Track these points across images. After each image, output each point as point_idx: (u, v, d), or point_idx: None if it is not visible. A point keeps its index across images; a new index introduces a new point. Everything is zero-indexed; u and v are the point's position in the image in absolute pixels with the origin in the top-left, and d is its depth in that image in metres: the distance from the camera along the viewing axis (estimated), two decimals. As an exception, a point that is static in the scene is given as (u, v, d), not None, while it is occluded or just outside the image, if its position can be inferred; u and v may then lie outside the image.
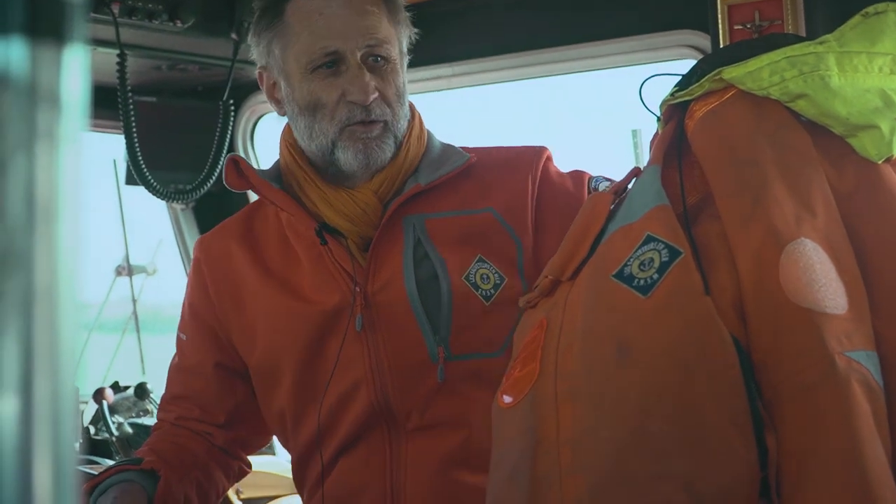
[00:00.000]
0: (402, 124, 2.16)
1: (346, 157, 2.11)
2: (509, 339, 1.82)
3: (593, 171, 2.27)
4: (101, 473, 2.20)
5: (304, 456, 2.25)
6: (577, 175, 2.26)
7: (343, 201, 2.15)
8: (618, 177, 1.81)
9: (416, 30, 2.25)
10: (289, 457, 2.37)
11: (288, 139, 2.23)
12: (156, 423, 2.42)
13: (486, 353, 2.10)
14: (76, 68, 0.63)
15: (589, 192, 2.21)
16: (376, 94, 2.10)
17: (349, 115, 2.10)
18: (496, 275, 2.13)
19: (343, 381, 2.13)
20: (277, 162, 2.29)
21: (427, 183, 2.15)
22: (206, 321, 2.30)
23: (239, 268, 2.26)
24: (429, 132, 2.26)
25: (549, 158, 2.26)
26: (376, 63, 2.12)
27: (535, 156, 2.25)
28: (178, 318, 2.39)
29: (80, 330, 0.63)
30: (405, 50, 2.20)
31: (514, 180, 2.21)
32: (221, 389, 2.31)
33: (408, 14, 2.22)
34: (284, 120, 2.28)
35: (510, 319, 1.91)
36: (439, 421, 2.12)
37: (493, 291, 2.12)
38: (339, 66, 2.10)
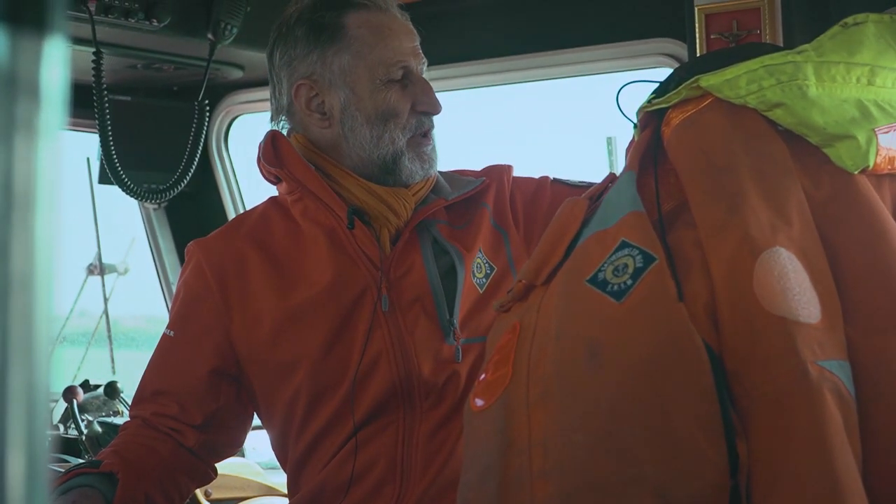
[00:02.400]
0: None
1: (414, 168, 2.29)
2: None
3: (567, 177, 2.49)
4: (60, 477, 2.18)
5: (318, 437, 2.28)
6: (540, 177, 2.51)
7: (390, 195, 2.28)
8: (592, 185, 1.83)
9: None
10: (260, 459, 2.35)
11: (303, 144, 2.32)
12: (125, 423, 2.41)
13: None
14: (56, 60, 0.63)
15: (551, 183, 2.46)
16: None
17: (418, 124, 2.29)
18: (487, 265, 2.32)
19: (365, 362, 2.22)
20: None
21: (450, 199, 2.35)
22: (204, 322, 2.31)
23: (248, 268, 2.30)
24: None
25: (512, 169, 2.51)
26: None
27: (504, 167, 2.50)
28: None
29: (55, 322, 0.63)
30: None
31: (496, 185, 2.44)
32: (207, 392, 2.31)
33: None
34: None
35: None
36: (454, 402, 2.23)
37: (484, 280, 2.31)
38: (406, 80, 2.28)
